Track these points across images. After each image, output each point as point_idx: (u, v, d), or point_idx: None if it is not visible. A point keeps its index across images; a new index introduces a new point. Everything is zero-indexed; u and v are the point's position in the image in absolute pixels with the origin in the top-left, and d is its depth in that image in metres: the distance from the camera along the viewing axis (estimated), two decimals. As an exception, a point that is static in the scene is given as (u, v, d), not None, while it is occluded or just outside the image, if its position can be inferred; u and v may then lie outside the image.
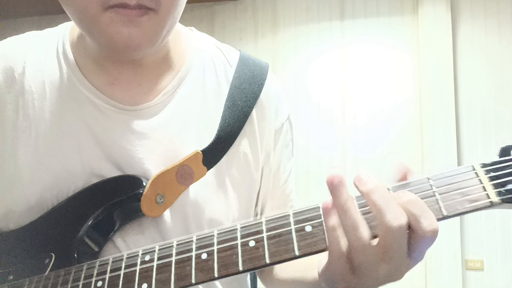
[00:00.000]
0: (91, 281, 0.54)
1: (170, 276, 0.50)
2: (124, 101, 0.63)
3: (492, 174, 0.46)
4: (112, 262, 0.55)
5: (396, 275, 0.46)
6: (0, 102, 0.63)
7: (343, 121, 3.03)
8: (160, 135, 0.63)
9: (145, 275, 0.52)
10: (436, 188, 0.47)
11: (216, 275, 0.49)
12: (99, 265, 0.55)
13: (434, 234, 0.44)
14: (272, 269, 0.73)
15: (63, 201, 0.61)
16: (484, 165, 0.47)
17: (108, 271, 0.54)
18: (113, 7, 0.53)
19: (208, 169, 0.64)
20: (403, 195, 0.46)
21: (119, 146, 0.62)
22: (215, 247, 0.50)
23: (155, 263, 0.52)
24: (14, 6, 3.20)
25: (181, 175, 0.62)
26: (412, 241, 0.45)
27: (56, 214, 0.61)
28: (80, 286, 0.54)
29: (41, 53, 0.65)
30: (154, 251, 0.53)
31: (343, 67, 3.07)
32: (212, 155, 0.65)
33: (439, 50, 2.89)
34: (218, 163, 0.65)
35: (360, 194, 0.47)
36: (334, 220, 0.46)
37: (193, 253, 0.51)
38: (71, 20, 0.60)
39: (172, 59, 0.67)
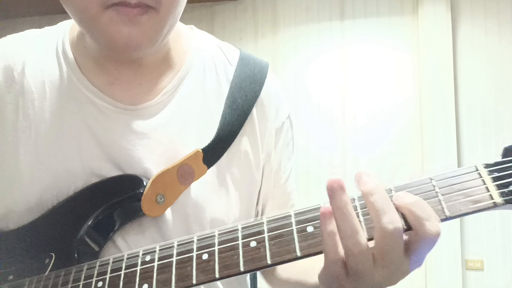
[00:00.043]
0: (92, 281, 0.53)
1: (170, 276, 0.50)
2: (124, 101, 0.63)
3: (495, 174, 0.45)
4: (113, 262, 0.54)
5: (391, 280, 0.46)
6: (0, 102, 0.63)
7: (343, 121, 3.03)
8: (160, 135, 0.63)
9: (146, 275, 0.51)
10: (439, 188, 0.46)
11: (217, 275, 0.48)
12: (99, 265, 0.55)
13: (436, 236, 0.44)
14: (274, 268, 0.72)
15: (63, 200, 0.61)
16: (487, 166, 0.46)
17: (109, 271, 0.54)
18: (113, 5, 0.53)
19: (209, 167, 0.64)
20: (406, 196, 0.45)
21: (119, 146, 0.61)
22: (216, 248, 0.50)
23: (155, 264, 0.52)
24: (14, 6, 3.19)
25: (182, 175, 0.62)
26: (413, 243, 0.45)
27: (56, 214, 0.60)
28: (81, 286, 0.54)
29: (41, 53, 0.65)
30: (155, 251, 0.53)
31: (343, 67, 3.07)
32: (213, 153, 0.64)
33: (439, 50, 2.88)
34: (219, 162, 0.65)
35: (359, 195, 0.47)
36: (332, 225, 0.45)
37: (194, 254, 0.51)
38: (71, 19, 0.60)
39: (173, 58, 0.67)
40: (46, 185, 0.61)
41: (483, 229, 2.75)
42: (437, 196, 0.46)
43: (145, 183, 0.60)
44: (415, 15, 3.00)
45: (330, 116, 3.05)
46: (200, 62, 0.68)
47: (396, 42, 3.01)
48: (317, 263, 0.49)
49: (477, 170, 0.47)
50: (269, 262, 0.47)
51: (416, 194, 0.46)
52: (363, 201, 0.47)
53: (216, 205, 0.65)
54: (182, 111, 0.65)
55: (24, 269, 0.59)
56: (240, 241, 0.50)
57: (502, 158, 0.46)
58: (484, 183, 0.45)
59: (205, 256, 0.50)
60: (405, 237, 0.45)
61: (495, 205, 0.45)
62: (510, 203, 0.44)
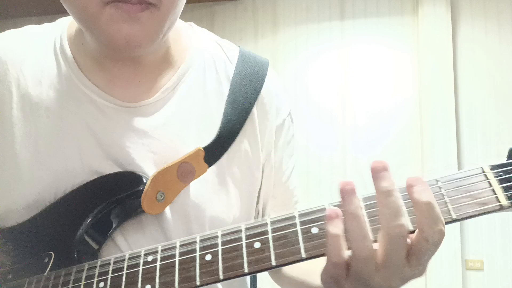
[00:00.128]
0: (93, 282, 0.53)
1: (174, 277, 0.49)
2: (124, 99, 0.62)
3: (502, 176, 0.45)
4: (114, 262, 0.54)
5: (390, 284, 0.46)
6: (1, 102, 0.63)
7: (343, 121, 3.02)
8: (161, 134, 0.63)
9: (148, 276, 0.51)
10: (445, 190, 0.46)
11: (221, 277, 0.48)
12: (100, 266, 0.54)
13: (440, 239, 0.44)
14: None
15: (62, 198, 0.60)
16: (493, 167, 0.46)
17: (110, 271, 0.53)
18: (113, 1, 0.53)
19: (209, 166, 0.64)
20: (425, 193, 0.44)
21: (119, 145, 0.61)
22: (220, 248, 0.49)
23: (158, 264, 0.51)
24: (14, 6, 3.18)
25: (182, 172, 0.61)
26: (415, 245, 0.44)
27: (55, 212, 0.60)
28: (82, 286, 0.53)
29: (40, 51, 0.65)
30: (157, 251, 0.52)
31: (343, 67, 3.07)
32: (214, 152, 0.64)
33: (439, 50, 2.88)
34: (219, 161, 0.65)
35: (365, 196, 0.47)
36: (339, 228, 0.45)
37: (197, 254, 0.50)
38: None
39: (172, 56, 0.66)
40: (46, 184, 0.60)
41: (483, 229, 2.75)
42: (443, 198, 0.46)
43: (145, 181, 0.60)
44: (415, 15, 2.99)
45: (330, 116, 3.04)
46: (200, 61, 0.68)
47: (396, 42, 3.01)
48: (319, 264, 0.49)
49: (483, 172, 0.46)
50: (273, 263, 0.47)
51: None
52: (368, 202, 0.47)
53: (216, 204, 0.64)
54: (182, 110, 0.65)
55: (23, 268, 0.58)
56: (243, 242, 0.49)
57: (508, 159, 0.46)
58: (491, 185, 0.45)
59: (208, 257, 0.49)
60: (408, 240, 0.45)
61: (501, 208, 0.44)
62: (516, 206, 0.44)
